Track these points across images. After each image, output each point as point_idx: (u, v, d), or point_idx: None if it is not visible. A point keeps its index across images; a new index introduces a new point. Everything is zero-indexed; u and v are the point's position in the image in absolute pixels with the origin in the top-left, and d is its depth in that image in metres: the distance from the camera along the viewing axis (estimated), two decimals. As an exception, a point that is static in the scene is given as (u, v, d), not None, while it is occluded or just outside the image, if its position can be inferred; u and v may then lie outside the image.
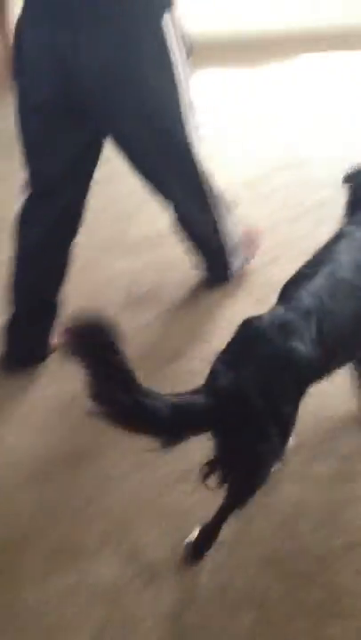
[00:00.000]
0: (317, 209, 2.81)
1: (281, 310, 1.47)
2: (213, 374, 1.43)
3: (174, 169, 2.15)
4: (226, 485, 1.49)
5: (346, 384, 2.00)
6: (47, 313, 2.18)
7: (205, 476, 1.46)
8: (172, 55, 1.91)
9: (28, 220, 2.09)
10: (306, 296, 1.47)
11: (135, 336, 2.28)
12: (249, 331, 1.45)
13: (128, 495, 1.80)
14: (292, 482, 1.80)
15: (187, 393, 1.42)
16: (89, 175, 2.11)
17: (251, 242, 2.54)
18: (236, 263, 2.48)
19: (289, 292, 1.55)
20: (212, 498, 1.74)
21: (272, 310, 1.50)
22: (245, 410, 1.37)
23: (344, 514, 1.72)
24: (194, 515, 1.71)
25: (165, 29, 1.87)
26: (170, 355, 2.19)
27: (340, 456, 1.86)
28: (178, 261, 2.57)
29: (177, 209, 2.30)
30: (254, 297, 2.41)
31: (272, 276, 2.47)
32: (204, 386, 1.43)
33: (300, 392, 1.47)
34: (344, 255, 1.55)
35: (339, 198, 2.85)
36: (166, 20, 1.87)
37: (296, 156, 3.21)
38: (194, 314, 2.38)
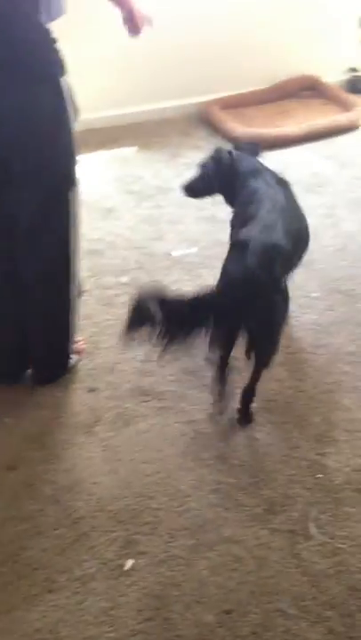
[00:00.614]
0: (125, 291, 2.85)
1: (254, 224, 2.07)
2: (227, 272, 2.02)
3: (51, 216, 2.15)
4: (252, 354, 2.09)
5: (189, 454, 2.06)
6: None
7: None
8: (69, 115, 2.05)
9: None
10: (265, 214, 2.10)
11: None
12: (242, 243, 1.99)
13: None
14: (155, 565, 1.81)
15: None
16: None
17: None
18: (74, 355, 2.46)
19: (245, 218, 2.15)
20: (77, 609, 1.70)
21: (245, 229, 2.09)
22: (258, 287, 1.95)
23: (209, 586, 1.75)
24: (64, 628, 1.66)
25: (63, 92, 2.01)
26: (9, 464, 2.12)
27: (197, 527, 1.90)
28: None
29: (35, 279, 2.24)
30: (86, 385, 2.41)
31: (99, 363, 2.50)
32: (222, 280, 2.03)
33: (287, 271, 2.15)
34: (274, 194, 2.21)
35: (142, 278, 2.95)
36: (63, 83, 2.01)
37: (91, 245, 3.21)
38: (28, 416, 2.32)
